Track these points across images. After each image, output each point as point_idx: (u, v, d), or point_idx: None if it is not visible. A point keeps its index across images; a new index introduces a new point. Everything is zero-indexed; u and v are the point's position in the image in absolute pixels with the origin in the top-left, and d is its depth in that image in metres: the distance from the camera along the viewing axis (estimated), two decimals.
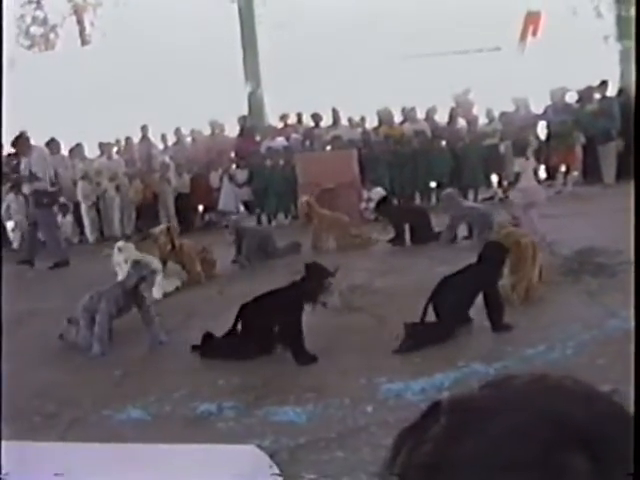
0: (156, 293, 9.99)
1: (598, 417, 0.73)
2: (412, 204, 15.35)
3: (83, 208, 18.59)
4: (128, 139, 20.33)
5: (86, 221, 18.74)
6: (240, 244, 12.61)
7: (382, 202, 14.29)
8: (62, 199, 18.36)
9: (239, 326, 8.05)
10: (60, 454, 3.50)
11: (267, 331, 7.91)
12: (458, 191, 18.10)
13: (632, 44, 19.89)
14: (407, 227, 13.64)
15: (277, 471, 3.35)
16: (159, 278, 9.32)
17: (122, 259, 10.05)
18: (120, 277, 9.63)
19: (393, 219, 13.97)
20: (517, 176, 16.08)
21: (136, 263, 8.66)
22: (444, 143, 18.82)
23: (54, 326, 9.21)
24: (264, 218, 18.55)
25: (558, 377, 0.81)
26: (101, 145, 19.66)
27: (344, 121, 20.11)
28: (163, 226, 12.03)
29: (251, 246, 12.51)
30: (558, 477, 0.69)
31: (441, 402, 0.84)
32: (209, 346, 8.12)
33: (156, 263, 9.27)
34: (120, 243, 10.56)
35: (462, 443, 0.75)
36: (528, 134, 18.09)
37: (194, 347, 8.18)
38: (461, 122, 19.32)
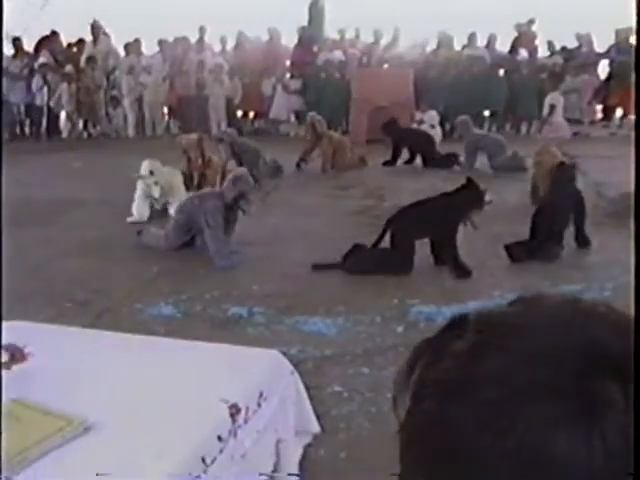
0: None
1: (632, 348, 0.68)
2: (419, 128, 15.16)
3: (126, 103, 18.64)
4: (184, 39, 20.13)
5: (130, 116, 18.81)
6: (240, 159, 12.27)
7: (390, 124, 14.19)
8: (114, 92, 18.47)
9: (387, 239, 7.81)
10: (87, 339, 3.52)
11: (413, 244, 7.74)
12: (512, 122, 18.05)
13: None
14: (407, 150, 14.07)
15: (298, 377, 3.34)
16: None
17: (152, 182, 9.76)
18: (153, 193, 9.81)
19: (395, 140, 14.02)
20: (551, 109, 15.83)
21: (237, 179, 8.32)
22: (502, 72, 18.56)
23: (94, 217, 9.31)
24: None
25: (592, 301, 0.77)
26: (160, 43, 19.61)
27: (403, 41, 19.86)
28: (194, 137, 11.44)
29: (253, 161, 12.26)
30: (588, 405, 0.64)
31: (466, 316, 0.79)
32: (357, 258, 7.78)
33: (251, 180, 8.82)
34: (147, 164, 9.85)
35: (485, 361, 0.70)
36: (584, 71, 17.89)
37: (315, 266, 7.78)
38: (522, 53, 19.02)
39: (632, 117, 18.59)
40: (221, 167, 11.17)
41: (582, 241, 8.60)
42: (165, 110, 19.53)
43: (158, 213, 9.85)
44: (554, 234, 8.11)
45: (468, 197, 7.80)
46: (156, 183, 9.75)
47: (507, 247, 8.04)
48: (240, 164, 11.87)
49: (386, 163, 13.82)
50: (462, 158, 13.37)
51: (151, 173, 9.71)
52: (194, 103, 18.51)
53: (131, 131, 18.78)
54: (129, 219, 9.64)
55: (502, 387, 0.67)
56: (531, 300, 0.78)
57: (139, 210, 9.78)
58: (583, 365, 0.66)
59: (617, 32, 18.81)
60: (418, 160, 13.81)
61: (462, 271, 7.55)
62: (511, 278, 7.46)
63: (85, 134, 18.59)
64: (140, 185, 9.82)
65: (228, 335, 5.95)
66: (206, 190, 8.86)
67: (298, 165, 13.37)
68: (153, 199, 9.88)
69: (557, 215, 8.28)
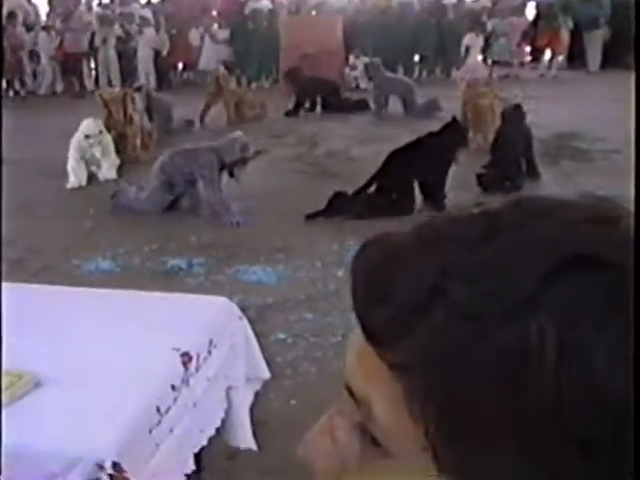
0: None
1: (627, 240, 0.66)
2: (322, 77, 15.14)
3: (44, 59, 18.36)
4: None
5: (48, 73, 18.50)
6: (151, 115, 11.91)
7: (293, 72, 14.34)
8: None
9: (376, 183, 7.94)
10: (30, 294, 3.46)
11: (412, 185, 7.89)
12: (442, 66, 18.14)
13: None
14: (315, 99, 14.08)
15: (247, 323, 3.34)
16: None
17: (97, 141, 9.45)
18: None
19: (298, 89, 14.00)
20: (467, 50, 15.95)
21: (244, 145, 7.94)
22: (431, 17, 18.56)
23: (23, 176, 9.12)
24: (244, 80, 18.31)
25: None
26: None
27: None
28: (118, 91, 11.19)
29: (166, 117, 12.11)
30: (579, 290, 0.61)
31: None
32: (340, 205, 7.78)
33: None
34: (93, 123, 9.49)
35: (499, 240, 0.66)
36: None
37: (309, 216, 7.73)
38: None
39: (560, 58, 18.80)
40: (140, 128, 10.78)
41: (533, 173, 8.90)
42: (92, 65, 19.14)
43: (95, 176, 9.56)
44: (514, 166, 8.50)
45: (455, 136, 8.09)
46: (99, 143, 9.48)
47: (479, 176, 8.48)
48: (151, 119, 11.73)
49: (288, 113, 13.80)
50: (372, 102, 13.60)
51: (100, 132, 9.48)
52: (124, 57, 18.23)
53: (59, 87, 18.42)
54: (68, 185, 9.29)
55: (517, 260, 0.64)
56: (531, 198, 0.75)
57: (77, 174, 9.36)
58: (576, 250, 0.63)
59: None
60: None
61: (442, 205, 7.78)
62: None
63: (12, 92, 18.18)
64: (76, 147, 9.40)
65: (168, 287, 5.91)
66: (188, 146, 8.37)
67: (202, 120, 13.10)
68: (92, 160, 9.50)
69: (514, 150, 8.64)
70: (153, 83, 18.16)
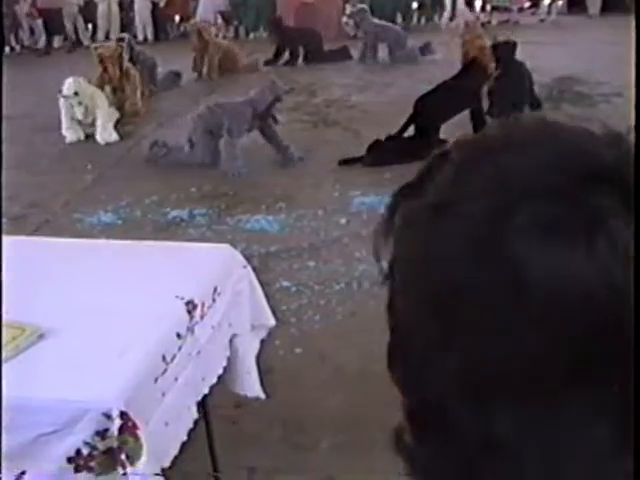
0: None
1: (629, 157, 0.64)
2: (304, 27, 15.02)
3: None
4: None
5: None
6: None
7: (274, 22, 14.32)
8: None
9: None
10: (33, 247, 3.44)
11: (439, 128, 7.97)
12: (440, 13, 18.01)
13: None
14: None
15: (250, 270, 3.32)
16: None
17: (76, 102, 9.11)
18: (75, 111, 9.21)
19: (280, 39, 13.92)
20: None
21: (272, 83, 8.06)
22: None
23: (20, 131, 9.03)
24: (242, 30, 18.19)
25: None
26: None
27: None
28: (113, 46, 10.81)
29: (151, 72, 11.92)
30: (587, 214, 0.60)
31: (446, 151, 0.73)
32: (380, 152, 7.79)
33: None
34: (71, 83, 9.13)
35: (473, 177, 0.65)
36: None
37: (343, 161, 7.74)
38: None
39: (560, 2, 18.64)
40: (139, 81, 10.54)
41: (535, 104, 9.04)
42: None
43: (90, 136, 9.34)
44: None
45: (478, 73, 8.43)
46: (80, 103, 9.18)
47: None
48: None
49: (267, 62, 13.65)
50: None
51: (76, 94, 9.10)
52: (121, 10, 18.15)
53: (56, 42, 18.27)
54: (67, 140, 9.19)
55: (493, 197, 0.62)
56: (511, 121, 0.73)
57: (72, 131, 9.24)
58: (577, 174, 0.62)
59: None
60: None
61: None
62: None
63: (7, 48, 18.00)
64: (64, 105, 9.26)
65: (170, 238, 5.91)
66: (222, 100, 8.39)
67: (199, 74, 12.97)
68: (77, 120, 9.29)
69: (515, 87, 8.73)
70: (150, 36, 18.08)
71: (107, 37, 17.73)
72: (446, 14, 18.17)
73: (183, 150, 8.10)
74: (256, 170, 7.66)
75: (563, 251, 0.59)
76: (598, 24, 17.12)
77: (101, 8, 18.17)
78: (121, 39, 11.69)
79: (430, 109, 7.97)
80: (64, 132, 9.24)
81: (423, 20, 18.34)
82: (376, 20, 13.97)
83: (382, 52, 13.41)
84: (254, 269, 3.46)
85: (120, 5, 18.30)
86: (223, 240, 5.73)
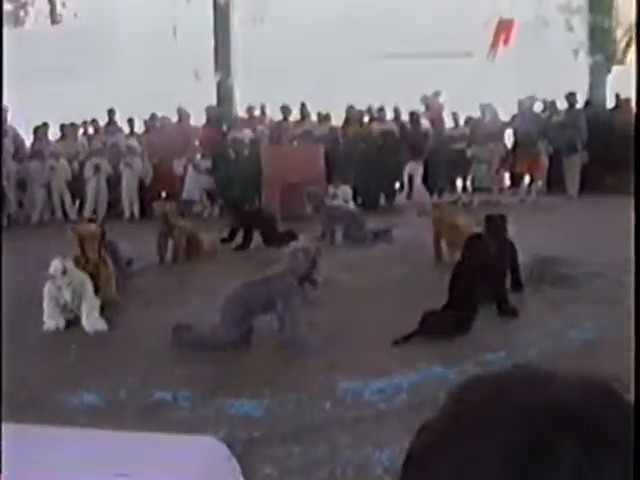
0: None
1: (591, 402, 0.70)
2: (261, 208, 15.17)
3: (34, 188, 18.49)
4: (94, 121, 20.22)
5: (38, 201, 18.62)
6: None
7: (232, 206, 14.41)
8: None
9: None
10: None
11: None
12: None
13: (602, 58, 20.09)
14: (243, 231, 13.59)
15: (236, 463, 3.28)
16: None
17: (64, 283, 8.77)
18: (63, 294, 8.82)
19: (232, 221, 13.88)
20: (410, 178, 16.08)
21: (306, 248, 8.10)
22: (411, 145, 18.82)
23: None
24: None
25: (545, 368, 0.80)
26: (64, 127, 19.62)
27: (313, 117, 20.08)
28: (93, 227, 10.45)
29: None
30: (546, 459, 0.66)
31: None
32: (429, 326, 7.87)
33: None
34: (59, 263, 8.78)
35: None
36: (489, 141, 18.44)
37: (403, 338, 7.74)
38: (425, 124, 19.35)
39: (539, 183, 19.05)
40: (112, 274, 9.85)
41: (518, 287, 9.34)
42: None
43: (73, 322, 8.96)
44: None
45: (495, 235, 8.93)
46: (69, 284, 8.85)
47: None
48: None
49: (237, 248, 13.43)
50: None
51: (64, 273, 8.74)
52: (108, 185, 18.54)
53: (35, 217, 18.49)
54: (45, 327, 8.79)
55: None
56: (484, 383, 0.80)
57: (53, 317, 8.83)
58: (539, 423, 0.68)
59: (520, 102, 19.37)
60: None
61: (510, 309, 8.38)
62: (435, 348, 7.48)
63: None
64: (49, 288, 8.87)
65: (154, 420, 5.87)
66: (258, 277, 8.19)
67: (162, 258, 12.54)
68: (63, 304, 8.87)
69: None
70: (137, 212, 18.36)
71: (94, 213, 18.08)
72: (404, 193, 18.70)
73: (213, 331, 7.96)
74: (244, 353, 7.66)
75: None
76: (577, 205, 17.47)
77: (91, 184, 18.49)
78: (91, 219, 11.40)
79: (460, 287, 8.12)
80: (45, 319, 8.86)
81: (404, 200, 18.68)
82: (333, 202, 14.20)
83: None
84: (237, 455, 3.43)
85: (107, 181, 18.66)
86: (206, 424, 5.71)
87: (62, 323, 8.88)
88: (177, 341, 7.96)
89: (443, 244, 11.37)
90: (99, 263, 9.65)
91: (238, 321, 7.84)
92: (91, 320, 8.82)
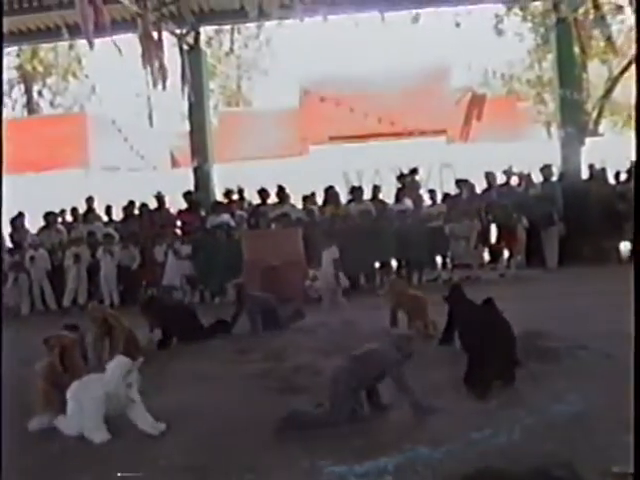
0: None
1: None
2: (178, 300, 15.22)
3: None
4: (74, 210, 20.37)
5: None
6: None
7: (148, 301, 13.46)
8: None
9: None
10: None
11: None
12: (406, 272, 18.47)
13: (574, 130, 20.41)
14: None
15: None
16: None
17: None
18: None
19: (150, 319, 12.83)
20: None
21: (410, 336, 8.28)
22: (389, 224, 18.88)
23: None
24: (207, 295, 18.48)
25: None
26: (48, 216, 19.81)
27: (292, 199, 20.26)
28: (68, 336, 9.33)
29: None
30: None
31: None
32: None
33: None
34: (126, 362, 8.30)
35: None
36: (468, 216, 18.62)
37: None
38: (407, 203, 19.47)
39: (519, 257, 19.18)
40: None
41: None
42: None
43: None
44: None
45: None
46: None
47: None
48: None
49: (160, 345, 12.63)
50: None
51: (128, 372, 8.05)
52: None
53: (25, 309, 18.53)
54: (31, 426, 8.29)
55: None
56: None
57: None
58: None
59: (493, 176, 19.73)
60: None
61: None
62: (421, 428, 7.40)
63: None
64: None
65: None
66: (357, 353, 7.89)
67: (99, 358, 11.21)
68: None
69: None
70: (117, 299, 18.38)
71: (74, 302, 18.11)
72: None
73: (325, 413, 7.71)
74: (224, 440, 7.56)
75: None
76: (557, 277, 17.55)
77: (72, 273, 18.53)
78: (74, 326, 10.54)
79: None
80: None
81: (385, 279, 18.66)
82: (256, 292, 13.91)
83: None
84: None
85: (87, 270, 18.73)
86: None
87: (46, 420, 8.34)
88: (287, 425, 7.59)
89: (400, 314, 11.76)
90: (66, 374, 8.69)
91: (348, 399, 7.62)
92: (95, 431, 7.91)
